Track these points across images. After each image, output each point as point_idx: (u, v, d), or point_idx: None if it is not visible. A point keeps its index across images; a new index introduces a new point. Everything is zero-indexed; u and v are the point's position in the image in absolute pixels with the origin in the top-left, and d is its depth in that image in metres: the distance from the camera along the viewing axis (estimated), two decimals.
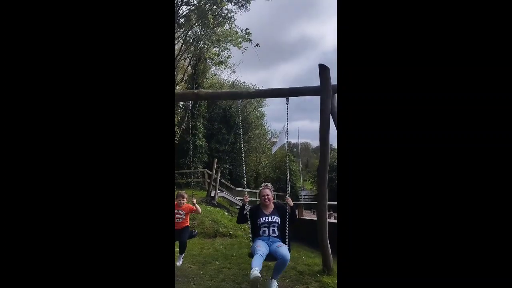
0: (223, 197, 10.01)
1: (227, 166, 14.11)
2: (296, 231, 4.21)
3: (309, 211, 10.20)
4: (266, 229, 2.82)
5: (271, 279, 2.67)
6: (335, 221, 5.73)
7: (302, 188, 18.55)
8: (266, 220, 2.85)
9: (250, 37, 7.19)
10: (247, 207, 2.97)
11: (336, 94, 3.35)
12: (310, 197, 18.23)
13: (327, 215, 3.77)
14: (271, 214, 2.88)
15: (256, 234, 2.87)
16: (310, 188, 21.29)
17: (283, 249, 2.64)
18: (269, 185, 3.07)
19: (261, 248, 2.62)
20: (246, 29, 7.31)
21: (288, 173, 3.35)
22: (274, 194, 3.06)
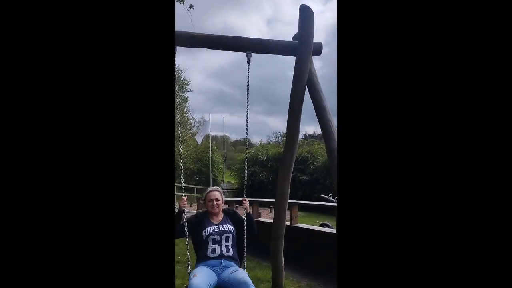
0: None
1: None
2: None
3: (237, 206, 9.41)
4: (217, 246, 1.91)
5: None
6: (267, 220, 5.10)
7: (223, 181, 17.78)
8: (216, 230, 1.96)
9: None
10: (185, 214, 1.99)
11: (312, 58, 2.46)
12: (231, 191, 17.56)
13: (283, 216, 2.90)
14: (222, 222, 2.03)
15: (201, 254, 1.92)
16: (229, 181, 20.68)
17: (238, 274, 1.79)
18: (218, 188, 2.22)
19: (199, 277, 1.71)
20: None
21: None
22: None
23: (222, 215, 2.10)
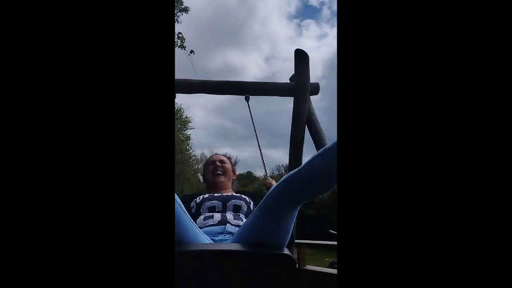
0: None
1: None
2: None
3: None
4: (216, 214, 1.15)
5: None
6: None
7: None
8: (216, 195, 1.22)
9: (184, 44, 5.97)
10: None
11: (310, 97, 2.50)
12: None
13: None
14: (230, 198, 1.24)
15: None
16: None
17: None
18: (227, 154, 1.50)
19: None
20: (179, 33, 6.08)
21: None
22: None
23: (231, 193, 1.32)
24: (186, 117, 18.02)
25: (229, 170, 1.35)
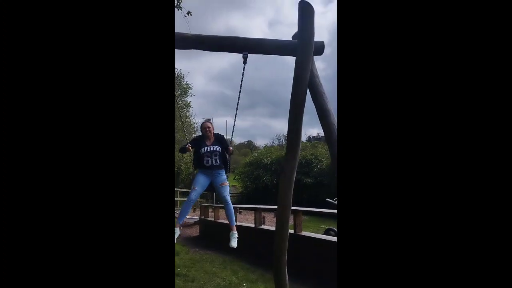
0: None
1: None
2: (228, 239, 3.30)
3: (239, 213, 9.20)
4: (209, 159, 2.93)
5: (231, 231, 2.92)
6: (270, 228, 4.91)
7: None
8: (209, 150, 2.96)
9: (180, 4, 5.55)
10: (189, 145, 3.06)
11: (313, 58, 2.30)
12: (234, 195, 17.34)
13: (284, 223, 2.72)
14: (213, 144, 3.00)
15: (200, 163, 2.97)
16: (233, 185, 20.43)
17: (224, 191, 2.93)
18: (209, 120, 3.21)
19: (197, 190, 2.88)
20: None
21: None
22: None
23: (213, 139, 3.04)
24: (187, 84, 17.57)
25: (212, 130, 3.07)
